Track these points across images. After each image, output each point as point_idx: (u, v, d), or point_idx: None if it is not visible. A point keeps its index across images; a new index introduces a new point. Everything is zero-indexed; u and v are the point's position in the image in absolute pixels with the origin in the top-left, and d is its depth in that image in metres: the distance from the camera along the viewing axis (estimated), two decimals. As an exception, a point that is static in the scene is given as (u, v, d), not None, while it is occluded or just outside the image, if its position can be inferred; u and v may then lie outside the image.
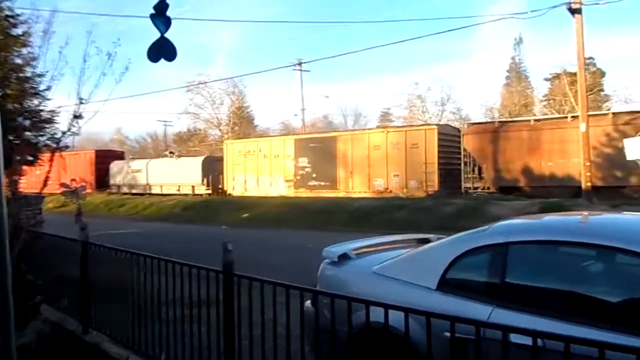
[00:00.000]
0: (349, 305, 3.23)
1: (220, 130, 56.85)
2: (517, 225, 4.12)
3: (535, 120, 23.72)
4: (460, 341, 2.93)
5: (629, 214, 4.56)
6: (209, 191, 30.96)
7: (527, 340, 2.64)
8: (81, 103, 6.86)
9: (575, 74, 32.47)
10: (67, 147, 7.38)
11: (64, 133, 7.13)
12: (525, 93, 52.30)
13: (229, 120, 56.02)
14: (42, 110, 8.55)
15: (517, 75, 58.14)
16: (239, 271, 4.07)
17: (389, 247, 4.94)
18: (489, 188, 23.68)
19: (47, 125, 8.79)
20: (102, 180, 36.88)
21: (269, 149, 29.20)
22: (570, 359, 2.45)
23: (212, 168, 31.68)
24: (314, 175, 27.35)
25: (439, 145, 23.76)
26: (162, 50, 3.17)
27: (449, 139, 24.90)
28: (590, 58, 42.60)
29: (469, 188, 25.13)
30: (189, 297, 4.56)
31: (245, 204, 24.72)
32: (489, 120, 33.86)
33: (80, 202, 6.39)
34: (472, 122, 30.58)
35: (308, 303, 4.32)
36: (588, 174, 18.29)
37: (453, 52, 75.76)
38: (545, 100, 50.33)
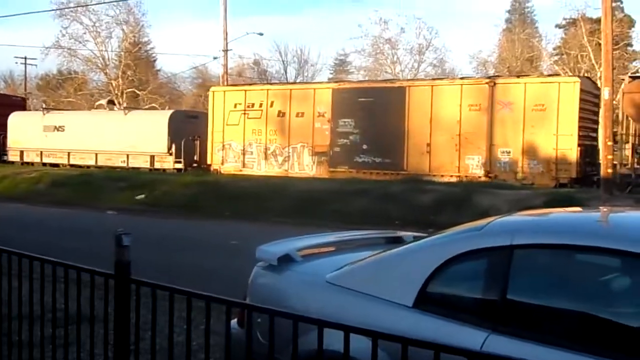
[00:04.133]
0: (295, 326, 3.23)
1: (106, 74, 55.70)
2: (524, 223, 4.22)
3: None
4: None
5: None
6: (181, 165, 28.63)
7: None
8: None
9: (597, 21, 33.52)
10: None
11: None
12: (531, 43, 53.57)
13: (120, 62, 54.83)
14: None
15: (520, 18, 59.54)
16: (136, 276, 4.02)
17: (348, 248, 4.98)
18: None
19: None
20: None
21: (286, 103, 26.53)
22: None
23: (184, 129, 29.08)
24: (365, 146, 24.97)
25: (581, 109, 21.82)
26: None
27: (589, 99, 22.81)
28: (616, 0, 44.11)
29: (631, 175, 22.29)
30: (65, 310, 4.46)
31: (141, 181, 24.40)
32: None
33: None
34: (635, 73, 28.44)
35: (235, 323, 4.32)
36: (610, 156, 18.92)
37: (437, -19, 76.67)
38: (556, 54, 51.73)
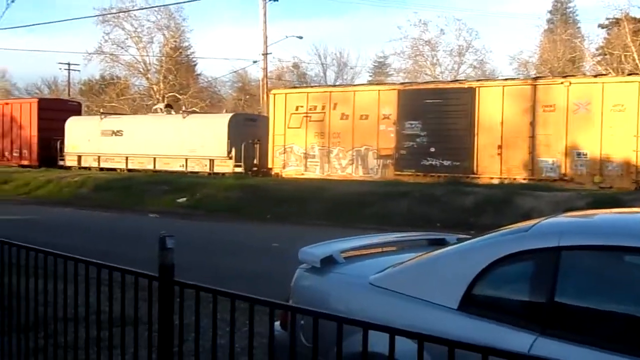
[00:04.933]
0: (340, 328, 3.20)
1: (147, 79, 56.37)
2: (572, 224, 4.15)
3: None
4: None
5: None
6: (241, 169, 28.20)
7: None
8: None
9: (641, 20, 32.85)
10: None
11: None
12: (573, 44, 52.89)
13: (161, 66, 55.47)
14: None
15: (562, 18, 58.85)
16: (179, 278, 4.03)
17: (391, 250, 4.96)
18: None
19: None
20: (50, 147, 33.81)
21: (350, 105, 26.15)
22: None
23: (243, 133, 28.76)
24: (432, 149, 24.45)
25: None
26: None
27: None
28: (662, -1, 43.43)
29: None
30: (109, 312, 4.49)
31: (183, 185, 24.62)
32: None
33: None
34: None
35: (278, 325, 4.31)
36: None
37: (477, -18, 76.12)
38: (599, 54, 51.01)
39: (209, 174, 28.75)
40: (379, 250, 4.99)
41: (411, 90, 25.88)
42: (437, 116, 24.20)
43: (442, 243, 4.96)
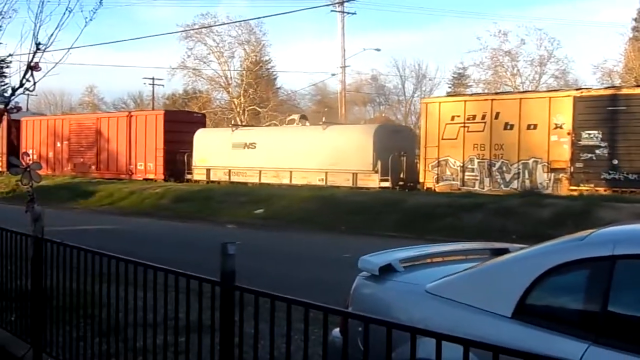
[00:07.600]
0: (389, 333, 3.28)
1: (228, 92, 57.49)
2: (628, 232, 4.10)
3: None
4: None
5: None
6: (387, 184, 26.25)
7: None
8: (38, 50, 7.06)
9: None
10: (18, 108, 7.59)
11: (14, 90, 7.32)
12: (659, 52, 51.28)
13: (242, 80, 56.47)
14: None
15: (648, 25, 57.05)
16: (250, 285, 4.15)
17: (451, 259, 4.99)
18: None
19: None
20: (176, 160, 32.83)
21: (515, 114, 24.07)
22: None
23: (388, 145, 26.57)
24: (615, 161, 22.22)
25: None
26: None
27: None
28: None
29: None
30: (175, 318, 4.67)
31: (260, 196, 25.01)
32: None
33: (32, 185, 6.52)
34: None
35: (336, 331, 4.41)
36: None
37: (559, -9, 74.78)
38: (687, 61, 49.32)
39: (353, 187, 26.91)
40: (439, 259, 5.02)
41: (589, 97, 23.48)
42: (621, 125, 22.09)
43: (503, 253, 4.95)
